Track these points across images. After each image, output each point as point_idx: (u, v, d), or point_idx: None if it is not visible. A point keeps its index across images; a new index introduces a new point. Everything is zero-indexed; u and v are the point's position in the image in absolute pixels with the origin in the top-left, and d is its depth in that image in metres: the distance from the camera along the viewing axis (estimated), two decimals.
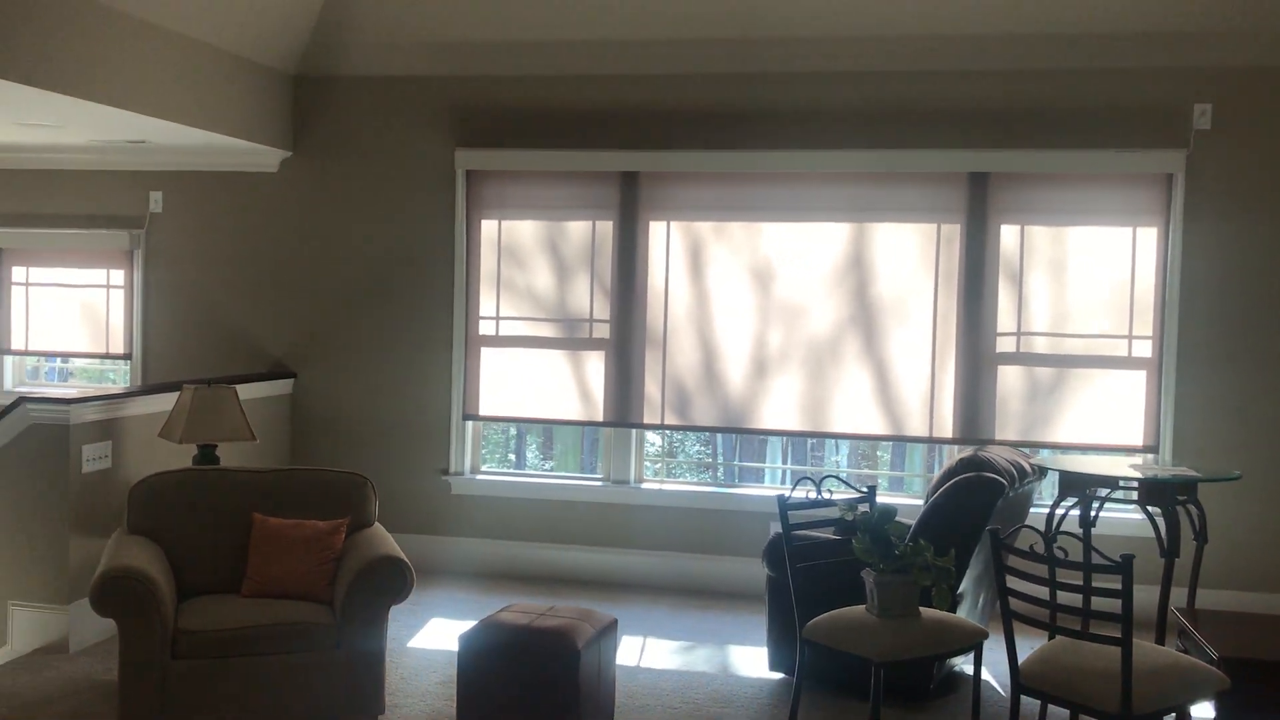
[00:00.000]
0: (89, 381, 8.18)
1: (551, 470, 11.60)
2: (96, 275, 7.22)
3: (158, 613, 4.04)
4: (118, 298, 7.20)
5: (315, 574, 4.44)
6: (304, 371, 6.83)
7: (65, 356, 8.01)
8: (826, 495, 4.11)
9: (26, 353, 7.53)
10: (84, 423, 5.18)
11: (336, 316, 6.80)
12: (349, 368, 6.78)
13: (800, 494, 4.14)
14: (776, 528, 4.52)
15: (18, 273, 7.42)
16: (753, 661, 5.20)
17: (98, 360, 8.32)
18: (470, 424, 6.72)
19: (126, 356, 7.18)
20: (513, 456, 11.42)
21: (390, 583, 4.30)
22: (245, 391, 6.00)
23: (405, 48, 6.53)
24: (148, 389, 5.89)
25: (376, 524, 4.82)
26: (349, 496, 4.77)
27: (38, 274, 7.40)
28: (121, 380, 7.79)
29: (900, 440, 6.33)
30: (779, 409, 6.33)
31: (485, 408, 6.66)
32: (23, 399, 5.19)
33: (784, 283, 6.31)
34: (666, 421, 6.49)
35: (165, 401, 5.59)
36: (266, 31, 6.28)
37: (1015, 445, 5.95)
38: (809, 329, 6.29)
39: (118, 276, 7.17)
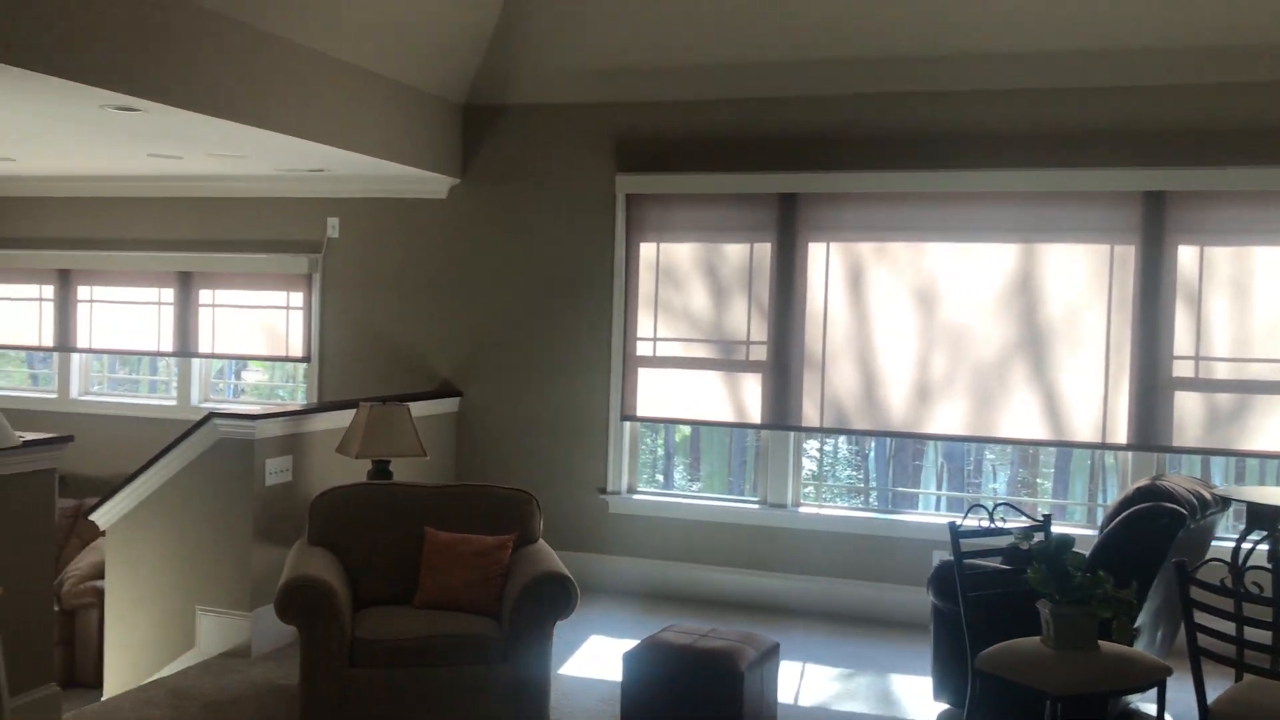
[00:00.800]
0: (259, 398, 8.58)
1: (700, 491, 11.62)
2: (277, 297, 7.59)
3: (337, 621, 4.21)
4: (296, 319, 7.54)
5: (484, 588, 4.55)
6: (469, 390, 7.04)
7: (244, 359, 8.38)
8: (1000, 523, 4.01)
9: (213, 355, 7.90)
10: (268, 438, 5.44)
11: (500, 337, 6.98)
12: (512, 387, 6.96)
13: (971, 522, 4.06)
14: (941, 555, 4.44)
15: (204, 295, 7.85)
16: (917, 691, 5.11)
17: (269, 376, 8.74)
18: (627, 440, 6.79)
19: (305, 359, 7.48)
20: (660, 477, 11.49)
21: (556, 598, 4.38)
22: (416, 409, 6.20)
23: (568, 75, 6.69)
24: (326, 406, 6.15)
25: (541, 540, 4.91)
26: (515, 512, 4.88)
27: (223, 296, 7.81)
28: (291, 398, 8.16)
29: (1068, 445, 6.06)
30: (942, 422, 6.20)
31: (643, 411, 6.73)
32: (212, 414, 5.48)
33: (948, 305, 6.20)
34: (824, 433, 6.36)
35: (342, 418, 5.83)
36: (438, 62, 6.53)
37: (1195, 451, 5.65)
38: (974, 352, 6.15)
39: (296, 299, 7.52)
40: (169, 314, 7.90)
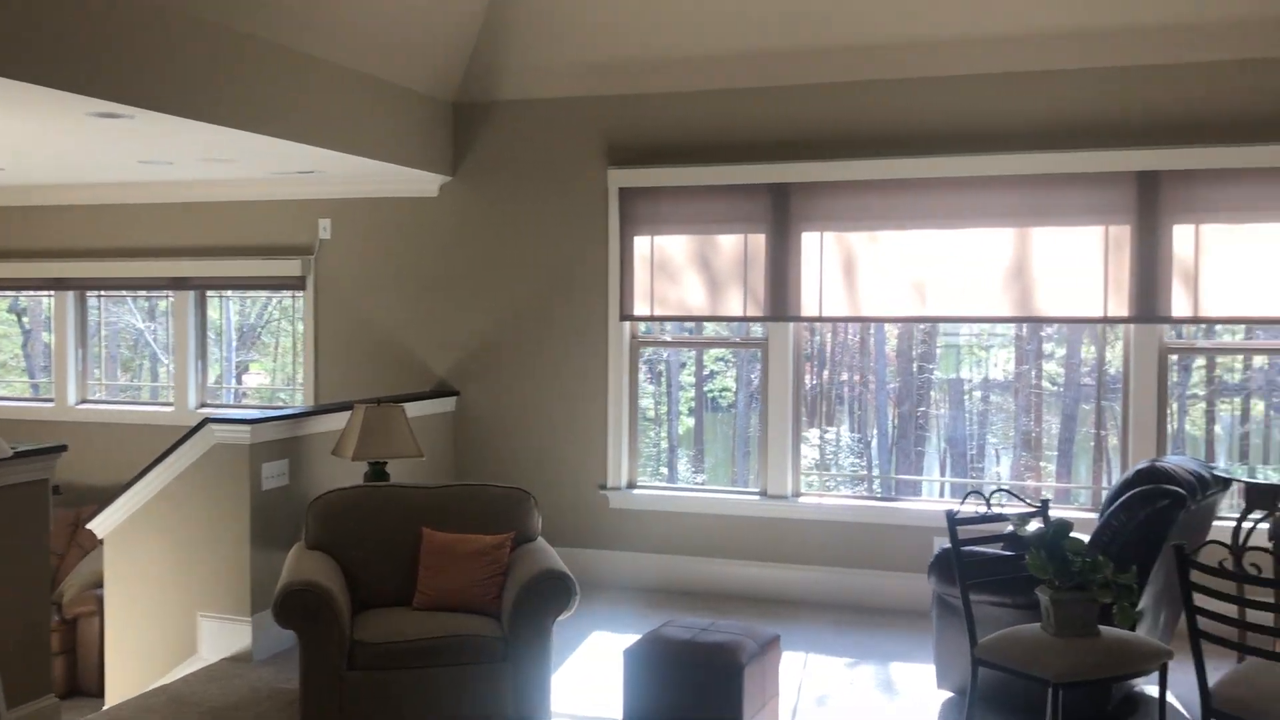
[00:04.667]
0: (262, 401, 8.57)
1: (704, 484, 11.61)
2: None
3: (336, 624, 4.20)
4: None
5: (483, 587, 4.54)
6: (466, 389, 7.02)
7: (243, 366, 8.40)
8: (997, 509, 3.99)
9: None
10: (263, 442, 5.42)
11: (496, 335, 6.96)
12: (509, 385, 6.94)
13: (969, 508, 4.03)
14: (942, 542, 4.42)
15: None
16: (920, 679, 5.09)
17: (271, 379, 8.72)
18: (626, 435, 6.77)
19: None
20: (664, 470, 11.47)
21: (555, 596, 4.37)
22: (412, 410, 6.19)
23: (557, 70, 6.66)
24: (321, 409, 6.13)
25: (540, 538, 4.90)
26: (513, 511, 4.87)
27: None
28: (292, 400, 8.14)
29: (1069, 321, 6.06)
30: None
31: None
32: (208, 420, 5.46)
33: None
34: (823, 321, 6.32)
35: (338, 421, 5.81)
36: (426, 62, 6.50)
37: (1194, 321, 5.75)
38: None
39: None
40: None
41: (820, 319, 6.40)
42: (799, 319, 6.39)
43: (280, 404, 8.18)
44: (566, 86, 6.70)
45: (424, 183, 6.96)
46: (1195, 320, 5.82)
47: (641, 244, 6.67)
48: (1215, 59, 5.69)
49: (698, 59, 6.40)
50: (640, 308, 6.68)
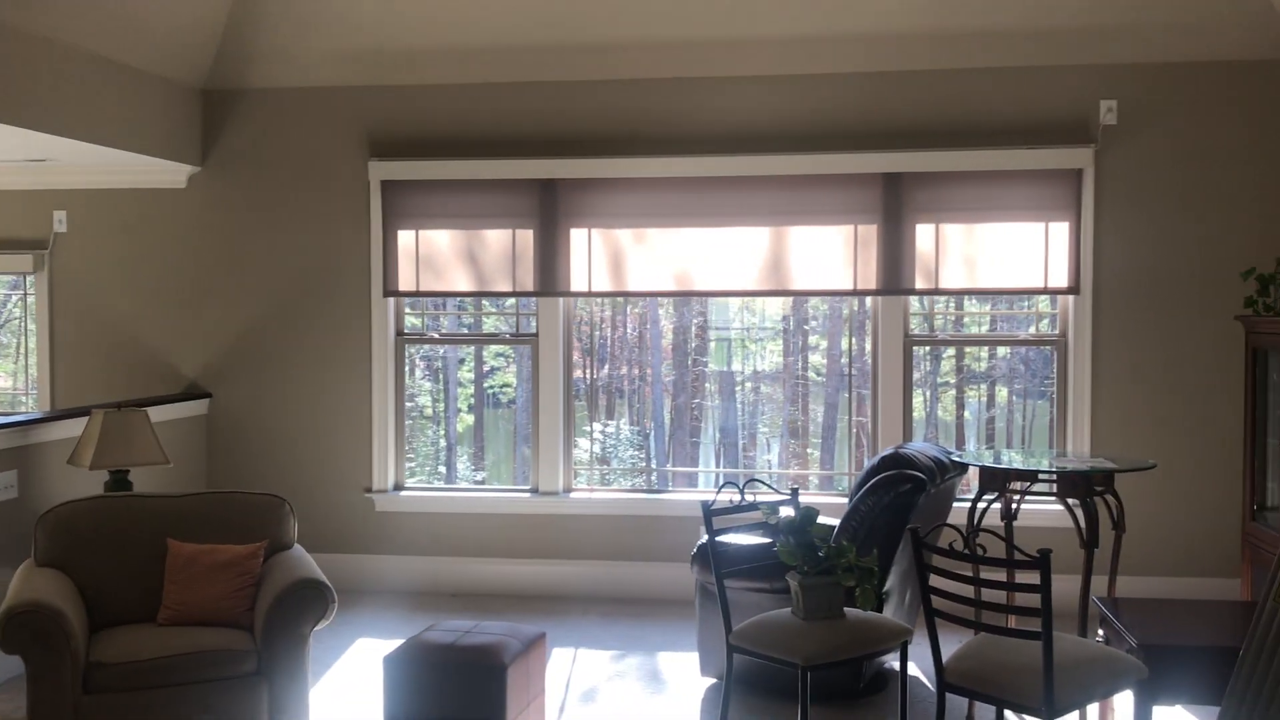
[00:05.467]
0: (4, 407, 7.91)
1: (484, 482, 11.52)
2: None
3: (67, 647, 3.91)
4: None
5: (233, 599, 4.33)
6: (219, 391, 6.68)
7: None
8: (750, 498, 4.09)
9: None
10: None
11: (251, 333, 6.65)
12: (266, 386, 6.64)
13: (725, 498, 4.12)
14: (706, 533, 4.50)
15: None
16: (684, 668, 5.18)
17: (12, 383, 8.07)
18: (393, 436, 6.61)
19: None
20: (443, 469, 11.30)
21: (311, 605, 4.21)
22: (158, 414, 5.86)
23: (313, 59, 6.42)
24: (55, 415, 5.71)
25: (296, 545, 4.71)
26: (266, 518, 4.66)
27: None
28: (34, 408, 7.55)
29: (822, 294, 6.29)
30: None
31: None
32: None
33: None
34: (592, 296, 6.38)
35: (74, 427, 5.42)
36: (171, 45, 6.13)
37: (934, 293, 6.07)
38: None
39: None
40: None
41: (590, 294, 6.43)
42: (568, 294, 6.39)
43: (23, 410, 7.57)
44: (324, 75, 6.46)
45: (170, 173, 6.57)
46: (936, 292, 6.17)
47: (406, 238, 6.52)
48: (955, 67, 6.04)
49: (462, 51, 6.30)
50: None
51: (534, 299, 6.44)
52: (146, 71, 6.09)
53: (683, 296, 6.52)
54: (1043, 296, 6.31)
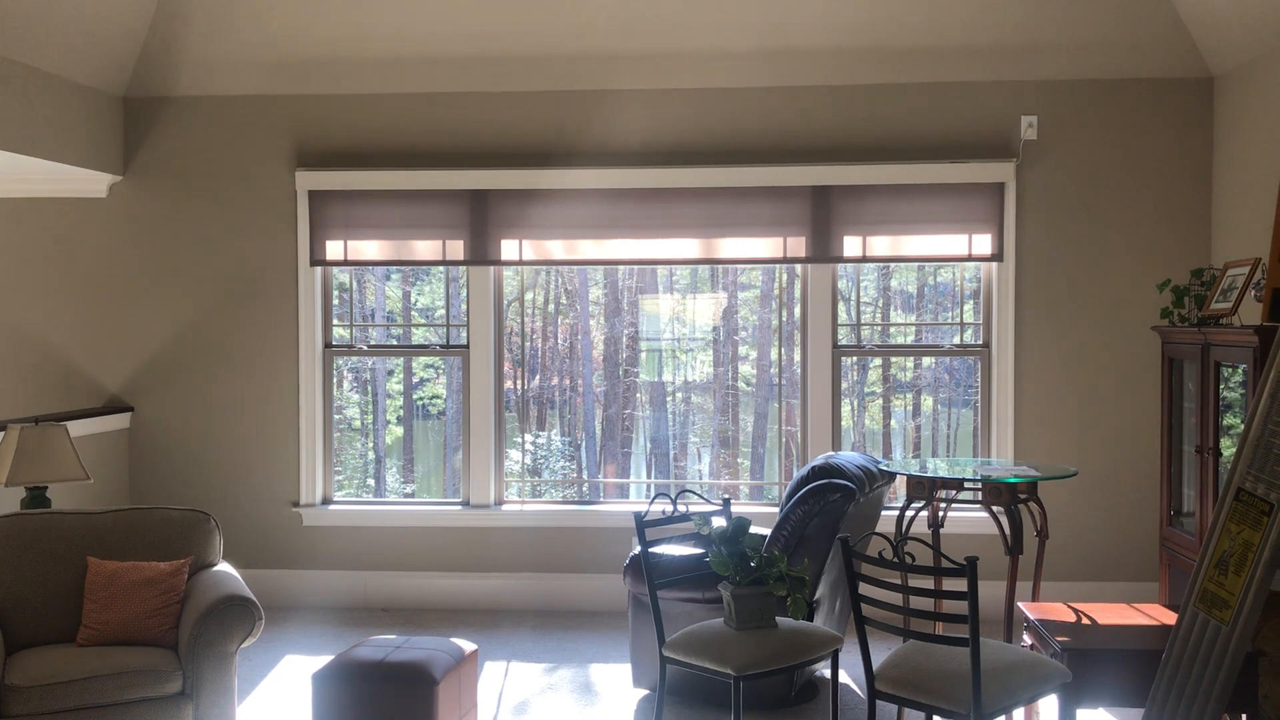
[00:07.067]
0: None
1: (414, 494, 11.42)
2: None
3: None
4: None
5: (157, 618, 4.25)
6: (142, 404, 6.53)
7: None
8: (683, 509, 4.11)
9: None
10: None
11: (175, 346, 6.52)
12: (191, 399, 6.51)
13: (658, 509, 4.13)
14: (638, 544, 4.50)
15: None
16: (617, 679, 5.17)
17: None
18: (321, 450, 6.52)
19: None
20: (372, 481, 11.16)
21: (237, 622, 4.15)
22: (78, 428, 5.72)
23: (238, 67, 6.32)
24: None
25: (222, 562, 4.64)
26: (190, 535, 4.58)
27: None
28: None
29: (750, 263, 6.35)
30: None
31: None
32: None
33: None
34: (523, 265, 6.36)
35: None
36: (90, 51, 6.00)
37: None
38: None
39: None
40: None
41: (520, 263, 6.39)
42: (500, 263, 6.37)
43: None
44: (250, 84, 6.37)
45: (90, 182, 6.41)
46: (863, 260, 6.26)
47: (334, 248, 6.44)
48: (882, 82, 6.13)
49: (390, 62, 6.25)
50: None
51: (465, 311, 6.40)
52: (65, 78, 5.95)
53: (612, 265, 6.47)
54: (967, 306, 6.42)
